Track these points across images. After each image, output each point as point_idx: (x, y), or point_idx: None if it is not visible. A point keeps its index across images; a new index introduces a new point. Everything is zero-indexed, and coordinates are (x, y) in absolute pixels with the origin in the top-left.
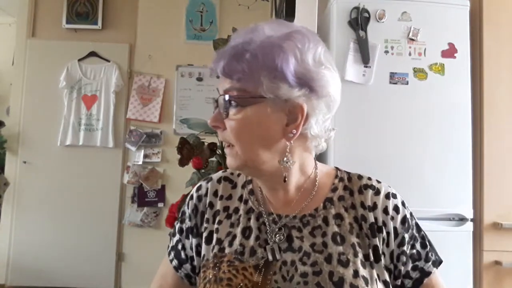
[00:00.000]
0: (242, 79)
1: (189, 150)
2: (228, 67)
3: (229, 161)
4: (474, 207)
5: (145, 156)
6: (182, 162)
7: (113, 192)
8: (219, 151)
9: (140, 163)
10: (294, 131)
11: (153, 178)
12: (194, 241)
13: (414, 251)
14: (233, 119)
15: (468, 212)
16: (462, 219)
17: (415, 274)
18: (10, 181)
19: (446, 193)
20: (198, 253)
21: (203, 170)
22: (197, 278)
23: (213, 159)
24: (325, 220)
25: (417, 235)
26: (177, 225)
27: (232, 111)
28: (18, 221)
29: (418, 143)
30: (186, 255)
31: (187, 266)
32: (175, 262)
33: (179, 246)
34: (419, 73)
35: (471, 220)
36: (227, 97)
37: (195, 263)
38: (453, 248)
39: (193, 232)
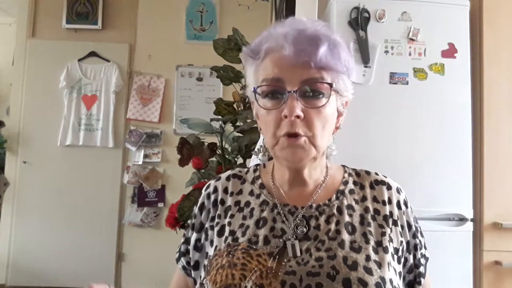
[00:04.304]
0: (334, 72)
1: (189, 150)
2: (326, 58)
3: (300, 153)
4: (474, 207)
5: (145, 156)
6: (182, 162)
7: (113, 192)
8: (219, 151)
9: (140, 163)
10: (340, 124)
11: (153, 178)
12: (195, 235)
13: (421, 239)
14: (321, 110)
15: (468, 212)
16: (462, 219)
17: (423, 260)
18: (10, 181)
19: (446, 193)
20: (197, 247)
21: (203, 170)
22: (192, 272)
23: (213, 159)
24: (339, 210)
25: (417, 225)
26: (188, 221)
27: (322, 101)
28: (18, 221)
29: (418, 143)
30: (186, 248)
31: (183, 259)
32: (177, 254)
33: (182, 240)
34: (419, 73)
35: (471, 220)
36: (326, 86)
37: (190, 255)
38: (453, 248)
39: (196, 227)
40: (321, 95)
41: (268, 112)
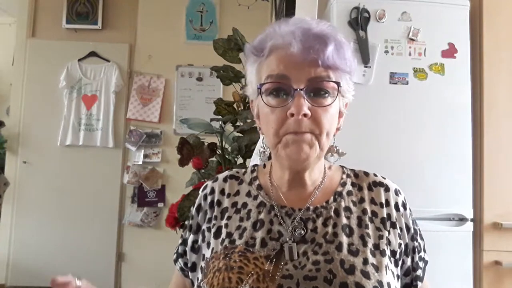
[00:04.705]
0: (339, 72)
1: (189, 150)
2: (333, 57)
3: (306, 150)
4: (474, 207)
5: (145, 156)
6: (182, 162)
7: (113, 192)
8: (219, 151)
9: (140, 163)
10: (341, 125)
11: (153, 178)
12: (192, 237)
13: (420, 242)
14: (328, 109)
15: (468, 212)
16: (462, 219)
17: (421, 264)
18: (10, 181)
19: (446, 193)
20: (193, 249)
21: (203, 170)
22: (190, 273)
23: (213, 159)
24: (336, 212)
25: (417, 228)
26: (185, 222)
27: (328, 100)
28: (18, 221)
29: (418, 143)
30: (184, 250)
31: (181, 260)
32: (174, 255)
33: (180, 241)
34: (419, 73)
35: (471, 220)
36: (333, 85)
37: (188, 257)
38: (453, 248)
39: (193, 229)
40: (327, 94)
41: (272, 110)
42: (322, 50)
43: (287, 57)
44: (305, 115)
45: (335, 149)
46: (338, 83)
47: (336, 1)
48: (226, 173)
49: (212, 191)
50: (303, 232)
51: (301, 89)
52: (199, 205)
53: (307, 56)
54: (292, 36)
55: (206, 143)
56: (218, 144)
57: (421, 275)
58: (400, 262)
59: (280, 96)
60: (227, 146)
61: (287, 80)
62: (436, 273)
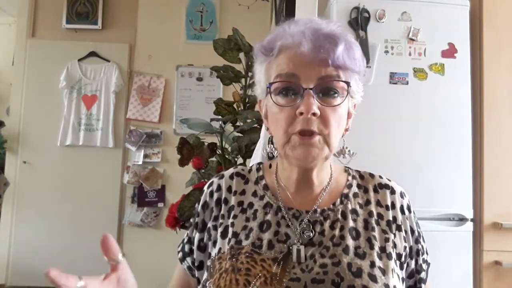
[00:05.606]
0: (349, 72)
1: (189, 150)
2: (343, 57)
3: (314, 152)
4: (474, 207)
5: (145, 156)
6: (182, 162)
7: (113, 192)
8: (219, 151)
9: (140, 163)
10: (349, 126)
11: (153, 178)
12: (198, 235)
13: (423, 245)
14: (337, 108)
15: (468, 212)
16: (462, 219)
17: (424, 266)
18: (10, 181)
19: (446, 193)
20: (200, 247)
21: (203, 170)
22: (196, 272)
23: (213, 159)
24: (343, 214)
25: (420, 231)
26: (191, 220)
27: (337, 100)
28: (18, 221)
29: (418, 143)
30: (190, 248)
31: (189, 259)
32: (180, 254)
33: (185, 239)
34: (419, 73)
35: (471, 220)
36: (342, 85)
37: (195, 256)
38: (453, 248)
39: (199, 227)
40: (336, 94)
41: (281, 110)
42: (332, 49)
43: (297, 56)
44: (314, 114)
45: (346, 151)
46: (348, 83)
47: (336, 1)
48: (232, 170)
49: (219, 188)
50: (311, 234)
51: (311, 88)
52: (205, 202)
53: (317, 55)
54: (302, 36)
55: (206, 143)
56: (218, 144)
57: (425, 277)
58: (405, 265)
59: (289, 96)
60: (227, 146)
61: (296, 79)
62: (436, 273)
